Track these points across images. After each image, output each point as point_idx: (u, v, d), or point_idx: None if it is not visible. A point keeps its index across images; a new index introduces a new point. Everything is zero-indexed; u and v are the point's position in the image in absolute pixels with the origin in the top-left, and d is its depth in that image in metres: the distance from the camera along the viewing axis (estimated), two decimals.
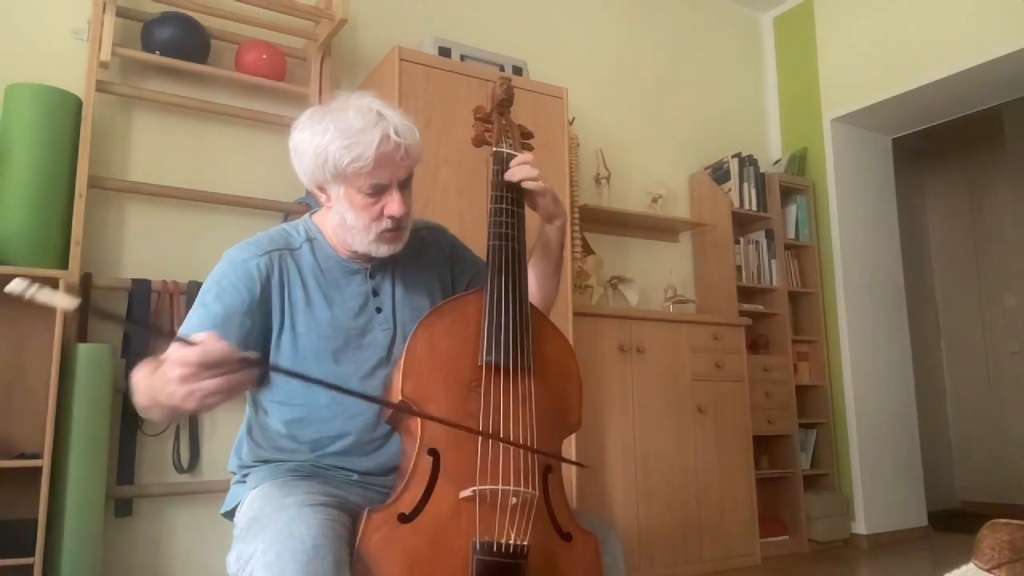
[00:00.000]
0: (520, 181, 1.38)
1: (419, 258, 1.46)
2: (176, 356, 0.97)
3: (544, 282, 1.49)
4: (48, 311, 2.33)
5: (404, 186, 1.31)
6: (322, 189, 1.32)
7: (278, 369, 1.25)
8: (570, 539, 1.20)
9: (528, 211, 1.42)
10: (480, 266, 1.52)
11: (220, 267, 1.32)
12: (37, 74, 2.53)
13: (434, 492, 1.13)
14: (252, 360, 1.03)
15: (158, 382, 1.05)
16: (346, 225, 1.31)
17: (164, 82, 2.80)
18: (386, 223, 1.30)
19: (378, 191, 1.28)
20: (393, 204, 1.28)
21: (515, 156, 1.44)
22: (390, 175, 1.27)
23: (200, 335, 0.99)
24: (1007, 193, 5.34)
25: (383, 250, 1.33)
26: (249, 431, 1.39)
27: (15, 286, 0.89)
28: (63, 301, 0.96)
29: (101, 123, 2.65)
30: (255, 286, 1.29)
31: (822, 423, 4.14)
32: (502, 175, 1.40)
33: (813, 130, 4.46)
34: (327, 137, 1.24)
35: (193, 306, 1.29)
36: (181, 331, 1.24)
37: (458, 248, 1.55)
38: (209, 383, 0.97)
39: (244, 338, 1.26)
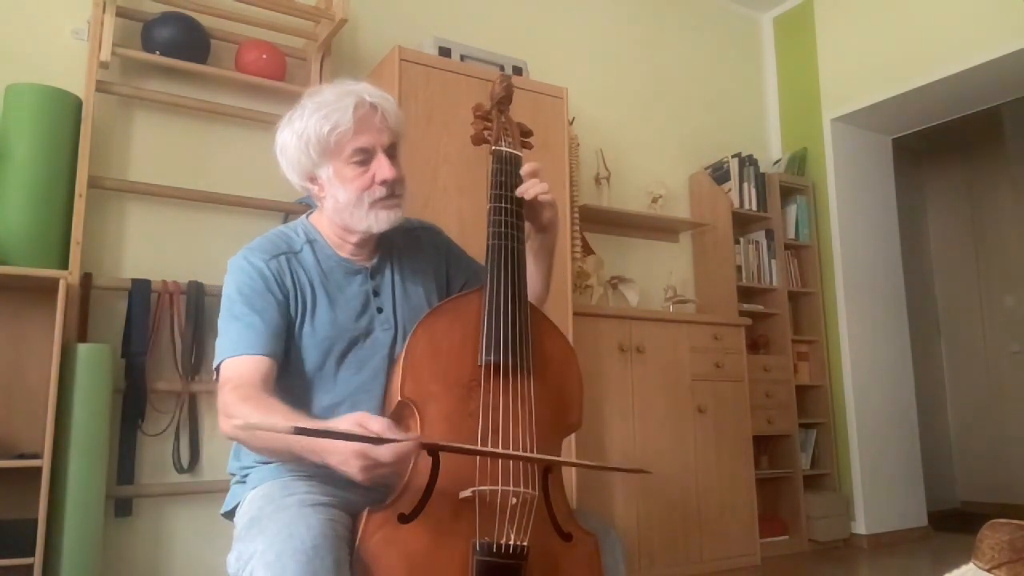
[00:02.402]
0: (535, 197, 1.37)
1: (416, 257, 1.46)
2: (360, 450, 0.99)
3: (535, 286, 1.48)
4: (48, 310, 2.33)
5: (391, 155, 1.31)
6: (313, 179, 1.33)
7: (447, 448, 1.12)
8: (570, 539, 1.20)
9: None
10: (475, 270, 1.52)
11: (233, 277, 1.30)
12: (37, 74, 2.53)
13: (434, 492, 1.12)
14: (422, 444, 1.06)
15: (311, 444, 1.06)
16: (340, 205, 1.31)
17: (164, 82, 2.79)
18: (378, 191, 1.30)
19: (365, 158, 1.29)
20: (383, 168, 1.29)
21: (514, 154, 1.44)
22: (372, 139, 1.29)
23: (378, 425, 1.00)
24: (1007, 193, 5.34)
25: (382, 219, 1.31)
26: None
27: None
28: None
29: (101, 123, 2.65)
30: (274, 287, 1.29)
31: (822, 423, 4.14)
32: (503, 175, 1.40)
33: (813, 130, 4.46)
34: (304, 118, 1.27)
35: (223, 321, 1.27)
36: (222, 347, 1.25)
37: (454, 250, 1.55)
38: (386, 471, 1.02)
39: (281, 341, 1.26)
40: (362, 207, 1.30)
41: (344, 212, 1.32)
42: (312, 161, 1.29)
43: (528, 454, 1.18)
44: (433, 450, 1.09)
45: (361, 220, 1.31)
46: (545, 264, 1.48)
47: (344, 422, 1.02)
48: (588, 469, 1.22)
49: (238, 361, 1.22)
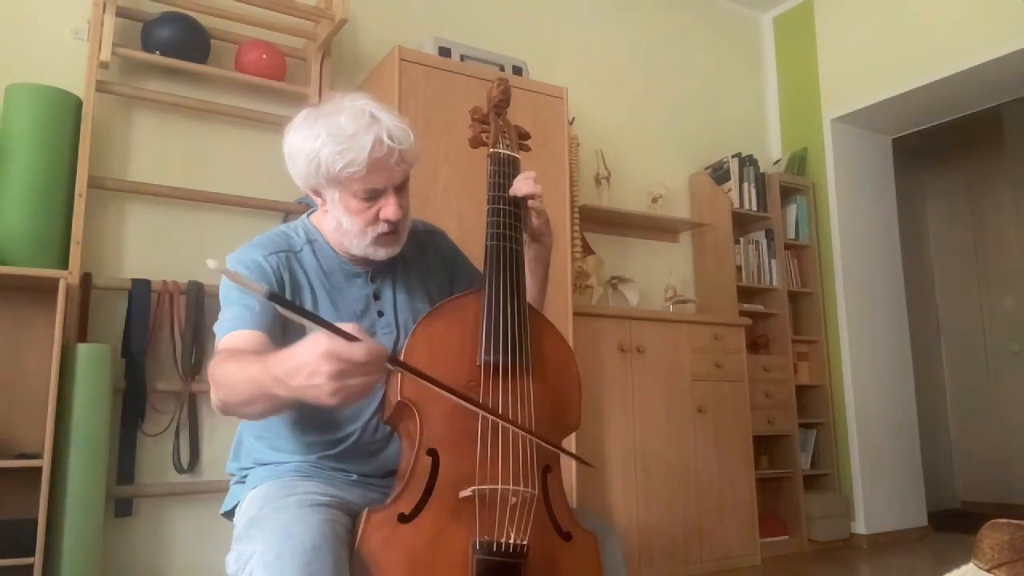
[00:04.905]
0: (524, 196, 1.36)
1: (419, 261, 1.46)
2: (330, 349, 0.90)
3: (531, 296, 1.46)
4: (48, 310, 2.33)
5: (400, 190, 1.30)
6: (317, 193, 1.32)
7: (410, 370, 1.07)
8: (570, 538, 1.20)
9: None
10: (477, 278, 1.51)
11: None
12: (37, 74, 2.53)
13: (433, 492, 1.13)
14: (390, 358, 0.97)
15: (276, 371, 0.98)
16: (342, 229, 1.31)
17: (164, 82, 2.80)
18: (382, 227, 1.29)
19: (373, 196, 1.27)
20: (389, 208, 1.28)
21: (512, 156, 1.44)
22: (384, 180, 1.27)
23: (351, 327, 0.92)
24: (1007, 193, 5.34)
25: (380, 253, 1.32)
26: (247, 434, 1.38)
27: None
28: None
29: (101, 123, 2.65)
30: (271, 279, 1.28)
31: (822, 423, 4.14)
32: (500, 177, 1.40)
33: (813, 130, 4.46)
34: (319, 142, 1.23)
35: (222, 309, 1.26)
36: (219, 329, 1.23)
37: (459, 257, 1.55)
38: (358, 382, 0.92)
39: (276, 323, 1.23)
40: (364, 239, 1.30)
41: (344, 237, 1.32)
42: (319, 182, 1.28)
43: (503, 417, 1.17)
44: (400, 368, 1.04)
45: (360, 248, 1.32)
46: (539, 276, 1.46)
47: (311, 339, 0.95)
48: (553, 449, 1.19)
49: (232, 336, 1.21)
